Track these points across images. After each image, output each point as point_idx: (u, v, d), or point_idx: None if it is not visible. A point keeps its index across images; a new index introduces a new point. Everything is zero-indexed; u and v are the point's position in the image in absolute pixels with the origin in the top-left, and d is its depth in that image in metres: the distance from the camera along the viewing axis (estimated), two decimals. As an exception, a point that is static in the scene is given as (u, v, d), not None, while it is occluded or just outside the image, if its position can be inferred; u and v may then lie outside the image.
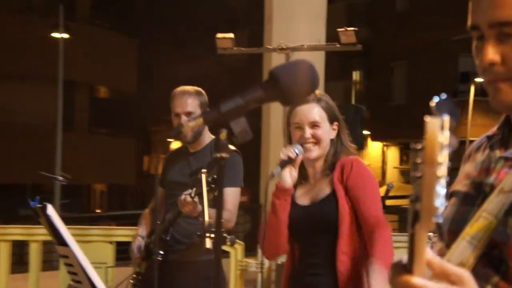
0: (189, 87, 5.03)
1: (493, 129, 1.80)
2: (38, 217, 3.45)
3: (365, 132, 27.88)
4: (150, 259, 4.86)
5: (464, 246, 1.57)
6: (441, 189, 1.24)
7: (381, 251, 3.47)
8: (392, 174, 31.74)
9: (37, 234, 6.43)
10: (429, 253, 1.32)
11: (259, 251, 6.18)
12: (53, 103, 25.62)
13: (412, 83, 30.66)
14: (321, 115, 3.64)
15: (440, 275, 1.33)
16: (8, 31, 26.55)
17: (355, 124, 8.20)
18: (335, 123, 3.70)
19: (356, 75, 34.66)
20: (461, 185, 1.82)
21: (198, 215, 4.24)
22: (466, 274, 1.36)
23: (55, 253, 10.29)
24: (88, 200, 34.00)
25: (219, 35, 8.72)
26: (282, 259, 6.17)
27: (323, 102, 3.66)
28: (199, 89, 5.04)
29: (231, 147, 4.81)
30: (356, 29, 7.96)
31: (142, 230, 5.05)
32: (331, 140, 3.69)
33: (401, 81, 30.96)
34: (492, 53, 1.61)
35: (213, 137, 4.98)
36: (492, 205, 1.58)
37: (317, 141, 3.62)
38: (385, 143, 32.87)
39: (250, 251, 6.89)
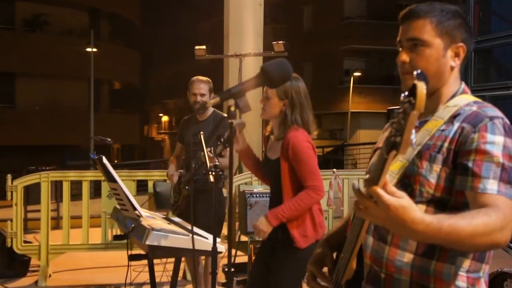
0: (203, 77, 4.86)
1: None
2: (95, 165, 3.41)
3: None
4: (185, 187, 4.65)
5: (387, 178, 1.61)
6: (413, 130, 1.25)
7: (287, 205, 3.16)
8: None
9: (87, 176, 6.38)
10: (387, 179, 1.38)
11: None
12: (87, 93, 25.98)
13: (315, 76, 30.84)
14: (272, 92, 3.25)
15: (389, 193, 1.39)
16: (57, 46, 26.39)
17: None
18: (284, 101, 3.25)
19: (279, 72, 34.70)
20: (382, 143, 1.85)
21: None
22: (404, 195, 1.41)
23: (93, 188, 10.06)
24: (109, 154, 33.51)
25: (196, 47, 8.64)
26: (244, 187, 6.02)
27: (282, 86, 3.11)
28: (209, 79, 4.87)
29: (224, 115, 4.71)
30: (284, 42, 7.92)
31: (172, 168, 4.85)
32: (280, 111, 3.26)
33: (309, 75, 30.89)
34: (404, 56, 1.76)
35: (212, 110, 4.86)
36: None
37: (265, 108, 3.29)
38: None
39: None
